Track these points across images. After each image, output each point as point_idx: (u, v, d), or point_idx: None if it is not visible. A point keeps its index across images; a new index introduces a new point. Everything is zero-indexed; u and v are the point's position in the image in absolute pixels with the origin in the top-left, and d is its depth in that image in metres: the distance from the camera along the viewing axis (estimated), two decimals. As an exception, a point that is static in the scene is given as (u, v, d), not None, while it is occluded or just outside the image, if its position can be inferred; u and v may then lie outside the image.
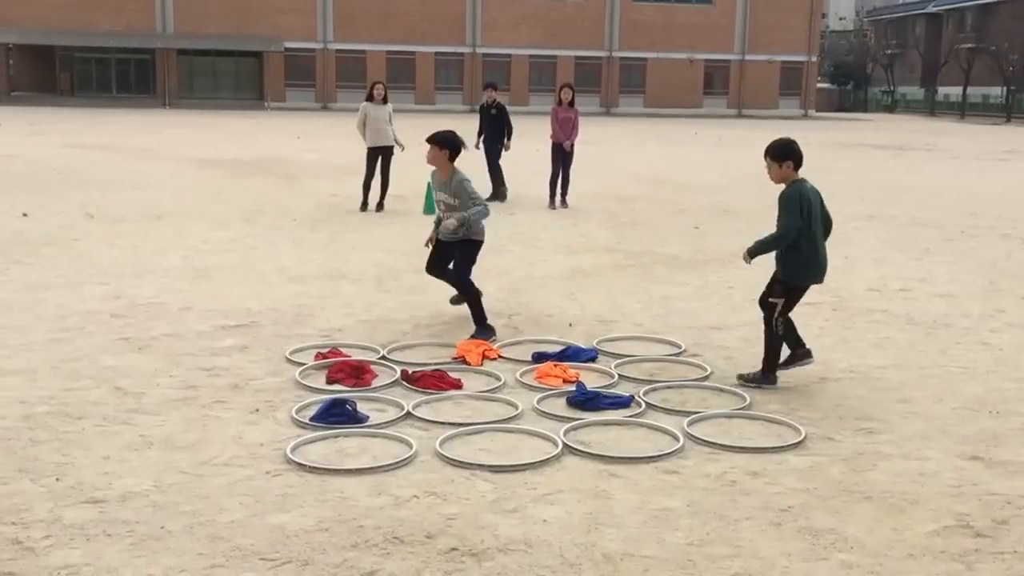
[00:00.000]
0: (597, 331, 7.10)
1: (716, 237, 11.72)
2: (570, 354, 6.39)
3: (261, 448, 4.72)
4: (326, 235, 11.23)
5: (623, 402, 5.48)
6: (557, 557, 3.69)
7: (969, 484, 4.49)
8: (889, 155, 27.57)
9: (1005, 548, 3.86)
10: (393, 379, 5.84)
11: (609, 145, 28.23)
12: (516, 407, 5.34)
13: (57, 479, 4.28)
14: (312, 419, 5.08)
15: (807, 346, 5.89)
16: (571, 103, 14.20)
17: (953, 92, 70.12)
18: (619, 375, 6.03)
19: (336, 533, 3.84)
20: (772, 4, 57.04)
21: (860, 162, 24.53)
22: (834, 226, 5.97)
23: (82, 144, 23.75)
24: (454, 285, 7.09)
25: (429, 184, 8.02)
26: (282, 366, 6.08)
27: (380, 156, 13.21)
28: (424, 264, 7.26)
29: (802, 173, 5.78)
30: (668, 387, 5.83)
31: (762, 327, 5.90)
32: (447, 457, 4.61)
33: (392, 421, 5.14)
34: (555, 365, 6.09)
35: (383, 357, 6.30)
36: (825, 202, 5.83)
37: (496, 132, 14.70)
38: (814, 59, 60.26)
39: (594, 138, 27.81)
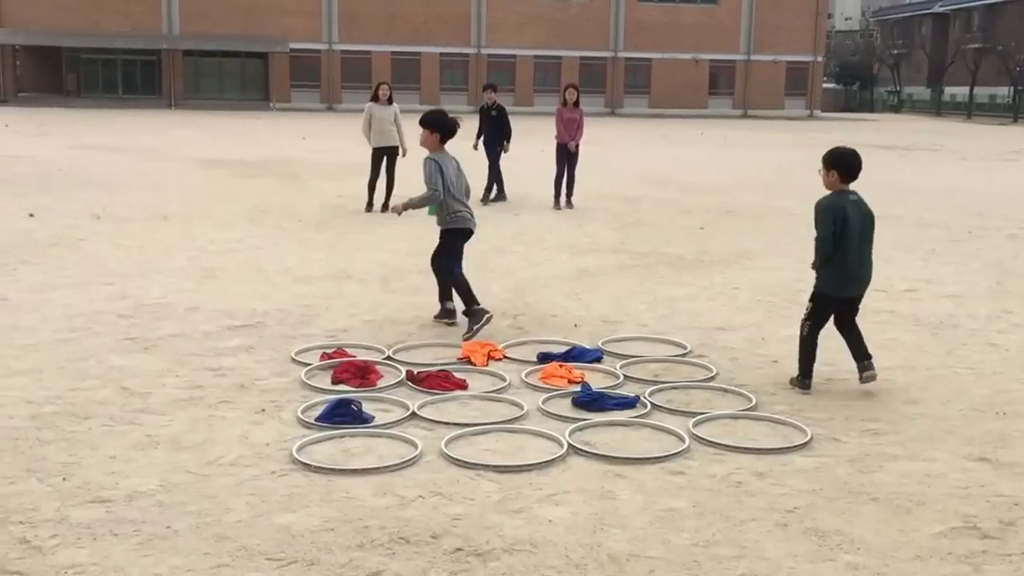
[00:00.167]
0: (602, 331, 7.09)
1: (721, 238, 11.71)
2: (575, 354, 6.38)
3: (267, 448, 4.73)
4: (331, 235, 11.24)
5: (628, 403, 5.48)
6: (562, 557, 3.69)
7: (976, 485, 4.47)
8: (895, 155, 27.50)
9: (1012, 550, 3.85)
10: (398, 379, 5.84)
11: (614, 146, 28.21)
12: (521, 407, 5.35)
13: (64, 479, 4.29)
14: (318, 419, 5.09)
15: (870, 356, 5.78)
16: (576, 103, 14.17)
17: (960, 92, 70.01)
18: (624, 376, 6.03)
19: (342, 533, 3.84)
20: (778, 4, 56.94)
21: (866, 162, 24.29)
22: None
23: (88, 145, 23.80)
24: (442, 282, 7.15)
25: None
26: (288, 366, 6.08)
27: (385, 156, 13.22)
28: (428, 262, 7.31)
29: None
30: (673, 388, 5.82)
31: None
32: (452, 457, 4.61)
33: (397, 421, 5.14)
34: (560, 365, 6.09)
35: (388, 357, 6.30)
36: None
37: (496, 134, 14.59)
38: (820, 59, 60.15)
39: (599, 139, 27.80)
